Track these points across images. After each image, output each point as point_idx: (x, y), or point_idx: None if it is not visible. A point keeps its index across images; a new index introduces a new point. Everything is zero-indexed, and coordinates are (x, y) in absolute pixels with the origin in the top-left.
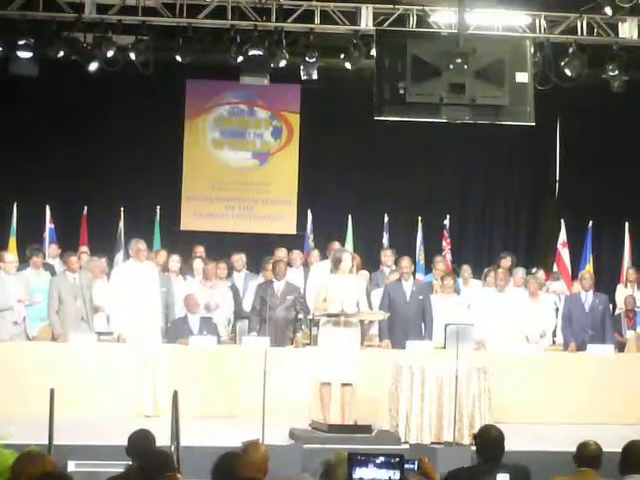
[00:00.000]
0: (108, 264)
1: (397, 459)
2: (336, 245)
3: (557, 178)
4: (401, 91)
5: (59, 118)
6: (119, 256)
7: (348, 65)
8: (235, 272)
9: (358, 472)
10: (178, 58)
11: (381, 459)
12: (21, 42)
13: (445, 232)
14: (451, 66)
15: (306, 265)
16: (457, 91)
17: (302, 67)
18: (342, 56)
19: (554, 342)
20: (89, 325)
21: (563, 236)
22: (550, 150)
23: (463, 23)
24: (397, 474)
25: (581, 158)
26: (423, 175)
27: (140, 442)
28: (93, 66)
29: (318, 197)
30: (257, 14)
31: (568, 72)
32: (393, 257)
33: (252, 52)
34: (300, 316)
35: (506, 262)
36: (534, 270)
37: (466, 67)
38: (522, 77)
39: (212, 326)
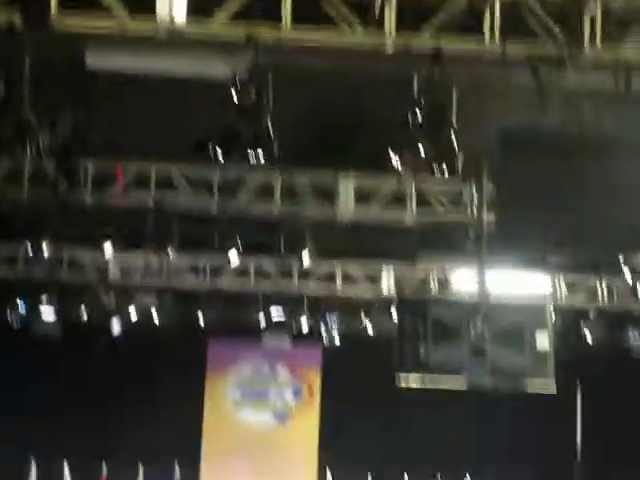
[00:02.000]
0: None
1: None
2: None
3: (579, 444)
4: (422, 355)
5: (80, 375)
6: None
7: (370, 327)
8: None
9: None
10: (201, 318)
11: None
12: (45, 302)
13: None
14: (472, 331)
15: None
16: (478, 356)
17: (324, 330)
18: (364, 318)
19: None
20: None
21: None
22: (570, 414)
23: (483, 288)
24: None
25: (602, 424)
26: (443, 436)
27: None
28: (116, 327)
29: (338, 457)
30: (279, 276)
31: (589, 337)
32: None
33: (274, 313)
34: None
35: None
36: None
37: (487, 332)
38: (542, 343)
39: None
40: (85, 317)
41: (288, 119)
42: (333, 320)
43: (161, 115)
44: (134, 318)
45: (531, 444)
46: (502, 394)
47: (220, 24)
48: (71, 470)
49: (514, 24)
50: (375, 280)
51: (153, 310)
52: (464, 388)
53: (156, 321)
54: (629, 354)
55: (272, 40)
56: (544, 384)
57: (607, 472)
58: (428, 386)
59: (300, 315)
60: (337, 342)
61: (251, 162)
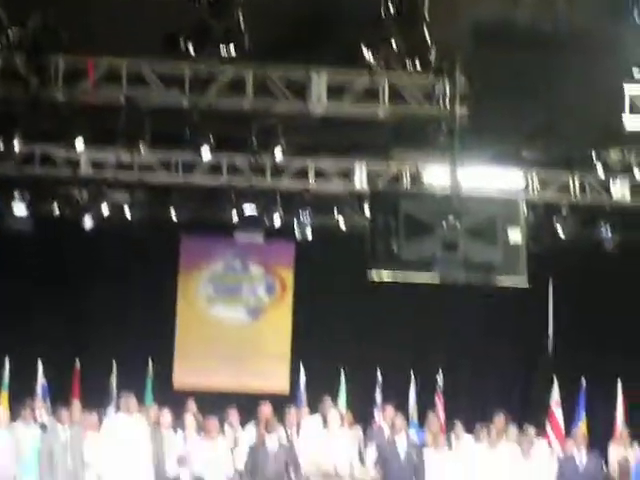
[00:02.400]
0: (99, 419)
1: None
2: (327, 400)
3: (550, 336)
4: (394, 250)
5: (52, 272)
6: (110, 409)
7: (342, 223)
8: (228, 427)
9: None
10: (173, 214)
11: None
12: (17, 198)
13: (438, 388)
14: (444, 225)
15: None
16: (450, 250)
17: (296, 227)
18: (336, 214)
19: None
20: None
21: (556, 394)
22: (543, 308)
23: (456, 182)
24: None
25: (574, 317)
26: (416, 330)
27: None
28: (88, 222)
29: (311, 352)
30: (252, 172)
31: (561, 232)
32: (393, 414)
33: (247, 210)
34: (292, 476)
35: (499, 420)
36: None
37: (459, 226)
38: (515, 237)
39: None
40: (57, 212)
41: (260, 13)
42: (306, 216)
43: (131, 10)
44: (106, 214)
45: (504, 337)
46: (474, 288)
47: None
48: (44, 367)
49: None
50: (348, 175)
51: (125, 206)
52: (437, 282)
53: (128, 217)
54: (600, 248)
55: None
56: (516, 278)
57: (579, 364)
58: (400, 280)
59: (273, 211)
60: (310, 237)
61: (223, 56)
